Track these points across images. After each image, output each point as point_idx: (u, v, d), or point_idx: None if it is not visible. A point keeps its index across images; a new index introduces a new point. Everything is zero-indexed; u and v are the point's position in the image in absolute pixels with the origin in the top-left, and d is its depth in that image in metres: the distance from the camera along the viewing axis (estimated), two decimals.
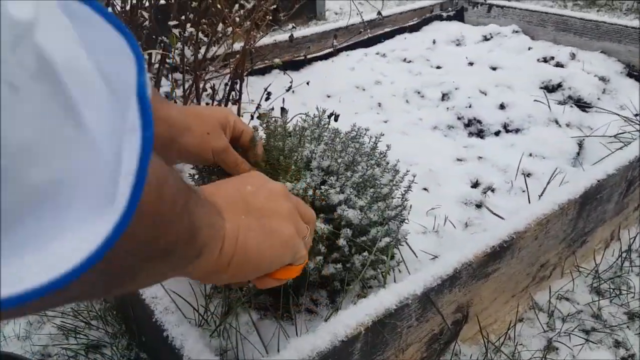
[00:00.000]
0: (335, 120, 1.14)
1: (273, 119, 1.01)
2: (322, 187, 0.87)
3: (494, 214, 1.04)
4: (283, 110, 1.14)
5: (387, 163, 0.95)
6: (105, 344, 0.97)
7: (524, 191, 1.21)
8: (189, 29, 1.20)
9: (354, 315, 0.71)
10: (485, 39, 2.04)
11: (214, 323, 0.86)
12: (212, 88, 1.50)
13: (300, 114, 1.21)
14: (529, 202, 1.11)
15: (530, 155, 1.34)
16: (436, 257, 0.99)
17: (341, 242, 0.82)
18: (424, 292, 0.77)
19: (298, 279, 0.89)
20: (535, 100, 1.53)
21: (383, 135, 0.97)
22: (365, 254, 0.84)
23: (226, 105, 1.30)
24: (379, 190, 0.89)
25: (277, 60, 1.31)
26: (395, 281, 0.92)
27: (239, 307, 0.89)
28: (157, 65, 1.44)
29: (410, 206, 0.93)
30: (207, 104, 1.50)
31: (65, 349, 0.96)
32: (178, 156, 0.75)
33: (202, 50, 1.35)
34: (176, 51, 1.26)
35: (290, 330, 0.87)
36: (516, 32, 2.09)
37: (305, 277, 0.87)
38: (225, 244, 0.45)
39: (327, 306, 0.91)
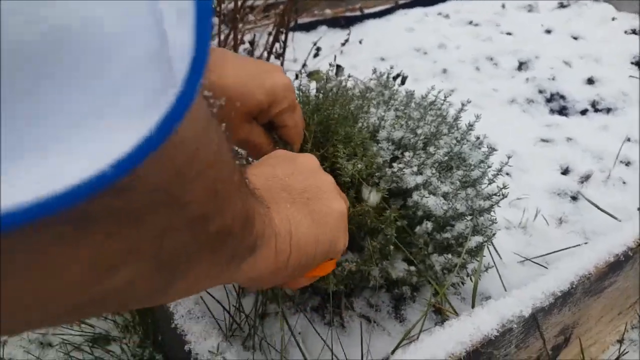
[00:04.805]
0: (403, 83, 0.93)
1: (326, 77, 0.81)
2: (393, 164, 0.67)
3: (606, 212, 0.83)
4: (338, 68, 0.94)
5: (477, 138, 0.74)
6: (114, 338, 0.81)
7: (624, 182, 0.99)
8: None
9: (443, 343, 0.52)
10: (562, 5, 1.78)
11: (248, 328, 0.68)
12: (251, 42, 1.30)
13: (352, 77, 1.01)
14: None
15: (629, 140, 1.11)
16: (526, 260, 0.79)
17: (421, 240, 0.63)
18: (533, 314, 0.58)
19: (354, 282, 0.71)
20: (630, 76, 1.29)
21: (470, 101, 0.76)
22: (449, 255, 0.65)
23: (267, 59, 1.10)
24: (468, 173, 0.69)
25: (328, 12, 1.10)
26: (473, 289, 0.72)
27: (278, 309, 0.71)
28: None
29: (504, 196, 0.72)
30: None
31: (66, 341, 0.79)
32: None
33: None
34: None
35: (342, 342, 0.68)
36: (597, 0, 1.83)
37: (367, 280, 0.68)
38: (278, 241, 0.37)
39: (390, 314, 0.72)
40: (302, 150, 0.68)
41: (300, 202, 0.42)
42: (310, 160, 0.48)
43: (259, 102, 0.54)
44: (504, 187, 0.68)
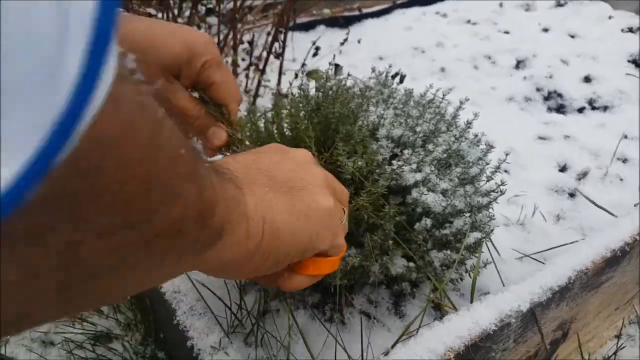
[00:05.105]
0: (401, 81, 0.94)
1: (325, 77, 0.82)
2: (393, 162, 0.68)
3: (603, 209, 0.84)
4: (337, 67, 0.95)
5: (476, 136, 0.75)
6: (116, 336, 0.81)
7: (621, 179, 1.00)
8: None
9: (442, 338, 0.53)
10: (559, 4, 1.79)
11: (250, 324, 0.69)
12: (250, 42, 1.30)
13: (351, 76, 1.02)
14: None
15: (626, 137, 1.12)
16: (525, 256, 0.80)
17: (420, 237, 0.64)
18: (530, 308, 0.58)
19: (355, 277, 0.71)
20: (627, 74, 1.30)
21: (468, 99, 0.76)
22: (448, 251, 0.65)
23: (267, 59, 1.11)
24: (466, 170, 0.69)
25: (326, 11, 1.10)
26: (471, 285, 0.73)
27: (279, 306, 0.72)
28: (187, 12, 1.25)
29: (502, 192, 0.73)
30: (242, 59, 1.31)
31: (68, 340, 0.80)
32: None
33: None
34: None
35: (343, 338, 0.69)
36: None
37: (367, 276, 0.68)
38: (250, 225, 0.36)
39: (390, 310, 0.73)
40: None
41: (282, 191, 0.41)
42: (302, 154, 0.47)
43: (177, 54, 0.50)
44: (502, 184, 0.69)
